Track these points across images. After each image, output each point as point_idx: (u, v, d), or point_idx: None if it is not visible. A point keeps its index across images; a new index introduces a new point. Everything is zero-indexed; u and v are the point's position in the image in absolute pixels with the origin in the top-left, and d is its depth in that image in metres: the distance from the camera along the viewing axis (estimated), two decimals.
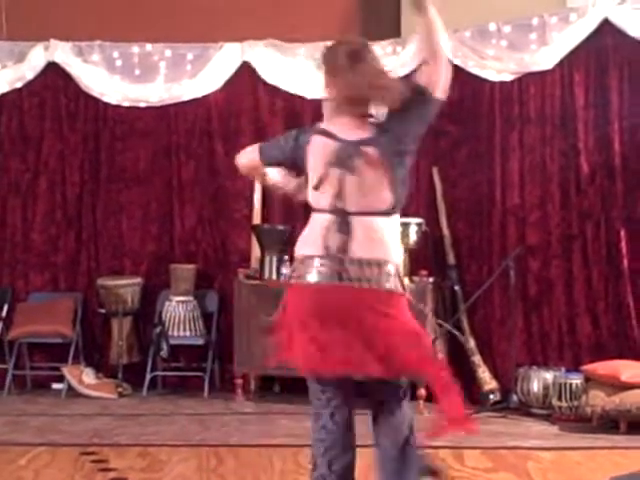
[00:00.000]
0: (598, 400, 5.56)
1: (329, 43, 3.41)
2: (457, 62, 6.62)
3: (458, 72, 6.63)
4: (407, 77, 3.28)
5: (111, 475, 4.46)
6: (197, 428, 5.69)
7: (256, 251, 6.87)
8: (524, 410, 6.05)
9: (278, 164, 3.34)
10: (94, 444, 5.15)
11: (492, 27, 6.54)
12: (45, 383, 7.09)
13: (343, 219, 3.16)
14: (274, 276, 6.62)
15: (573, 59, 6.32)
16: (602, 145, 6.23)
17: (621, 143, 6.17)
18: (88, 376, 6.85)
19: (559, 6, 6.42)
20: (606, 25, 6.14)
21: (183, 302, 6.93)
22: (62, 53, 7.12)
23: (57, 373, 6.93)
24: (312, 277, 3.14)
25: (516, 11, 6.47)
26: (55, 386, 6.97)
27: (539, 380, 6.03)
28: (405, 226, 6.47)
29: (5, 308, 7.05)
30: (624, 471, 1.12)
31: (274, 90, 7.13)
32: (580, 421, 5.66)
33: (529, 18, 6.41)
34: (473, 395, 6.39)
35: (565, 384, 5.80)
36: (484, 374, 6.41)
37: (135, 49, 7.15)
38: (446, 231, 6.66)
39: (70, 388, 6.79)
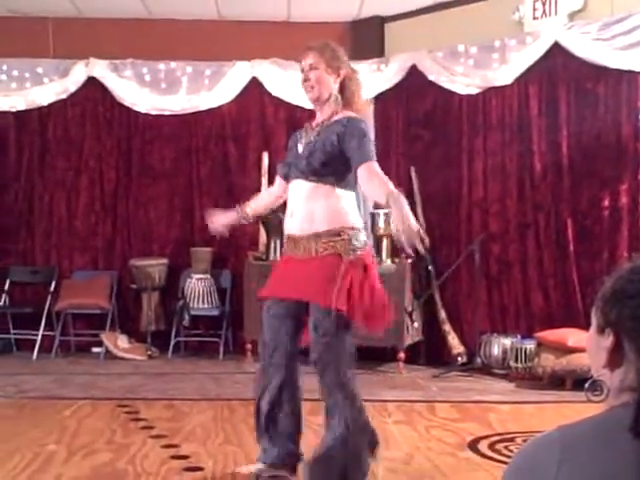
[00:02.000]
0: (548, 362, 5.57)
1: None
2: (431, 78, 6.63)
3: (432, 86, 6.66)
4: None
5: (142, 424, 4.46)
6: (213, 385, 5.70)
7: (263, 237, 6.87)
8: (486, 370, 6.05)
9: None
10: (127, 398, 5.15)
11: (461, 48, 6.51)
12: (86, 347, 7.07)
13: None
14: (278, 257, 6.61)
15: (528, 75, 6.29)
16: (552, 148, 6.21)
17: (568, 146, 6.15)
18: (122, 341, 6.85)
19: (517, 31, 6.37)
20: (556, 47, 6.11)
21: (202, 279, 6.92)
22: (100, 69, 7.08)
23: (96, 339, 6.92)
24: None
25: (481, 35, 6.44)
26: (95, 350, 6.96)
27: (499, 345, 6.04)
28: (387, 216, 6.46)
29: (53, 284, 7.02)
30: (570, 421, 1.10)
31: (278, 101, 7.10)
32: (533, 379, 5.67)
33: (492, 41, 6.38)
34: (444, 357, 6.41)
35: (521, 348, 5.82)
36: (453, 340, 6.42)
37: (161, 66, 7.11)
38: (422, 220, 6.66)
39: (107, 351, 6.78)
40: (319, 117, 3.28)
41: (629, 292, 1.23)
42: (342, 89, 3.22)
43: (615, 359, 1.24)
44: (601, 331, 1.26)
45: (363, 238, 3.18)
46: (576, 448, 1.17)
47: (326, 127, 3.17)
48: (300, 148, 3.25)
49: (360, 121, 3.16)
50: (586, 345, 1.33)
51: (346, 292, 3.03)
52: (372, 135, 3.19)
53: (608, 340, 1.25)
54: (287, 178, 3.31)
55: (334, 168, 3.11)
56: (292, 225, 3.24)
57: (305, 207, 3.18)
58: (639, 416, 1.14)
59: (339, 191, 3.14)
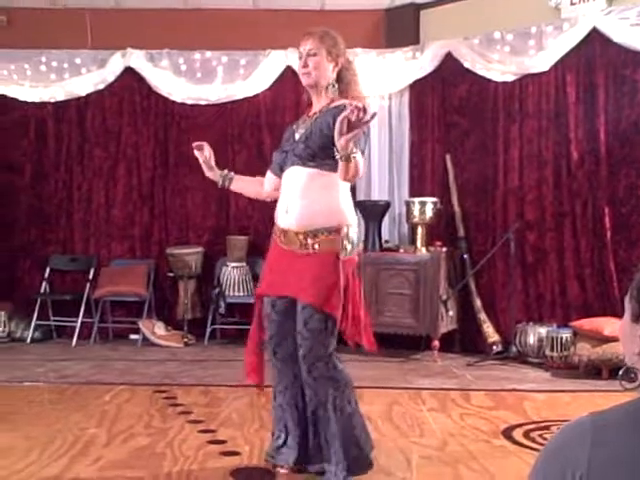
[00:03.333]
0: (584, 351, 5.54)
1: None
2: (467, 65, 6.61)
3: (467, 73, 6.64)
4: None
5: (179, 409, 4.54)
6: None
7: None
8: (522, 359, 6.04)
9: None
10: (165, 384, 5.24)
11: (497, 35, 6.47)
12: (124, 334, 7.18)
13: None
14: None
15: (566, 62, 6.24)
16: (590, 135, 6.16)
17: (606, 134, 6.09)
18: (159, 328, 6.94)
19: (554, 17, 6.32)
20: (594, 33, 6.05)
21: (237, 267, 6.99)
22: (137, 59, 7.16)
23: (134, 326, 7.03)
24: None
25: (517, 21, 6.39)
26: (132, 336, 7.07)
27: (534, 334, 6.02)
28: (422, 204, 6.48)
29: (92, 272, 7.14)
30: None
31: None
32: (569, 368, 5.65)
33: (528, 27, 6.33)
34: (479, 346, 6.41)
35: (556, 337, 5.79)
36: (488, 329, 6.41)
37: (197, 56, 7.17)
38: (457, 208, 6.64)
39: (145, 338, 6.89)
40: (316, 106, 3.23)
41: None
42: (339, 78, 3.19)
43: None
44: (636, 319, 1.28)
45: (356, 235, 3.18)
46: (607, 433, 1.19)
47: (324, 113, 3.13)
48: (297, 136, 3.21)
49: None
50: (619, 333, 1.34)
51: (339, 293, 3.06)
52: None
53: None
54: (282, 168, 3.25)
55: (333, 151, 3.00)
56: (288, 221, 3.15)
57: (303, 201, 3.10)
58: None
59: (336, 177, 3.02)
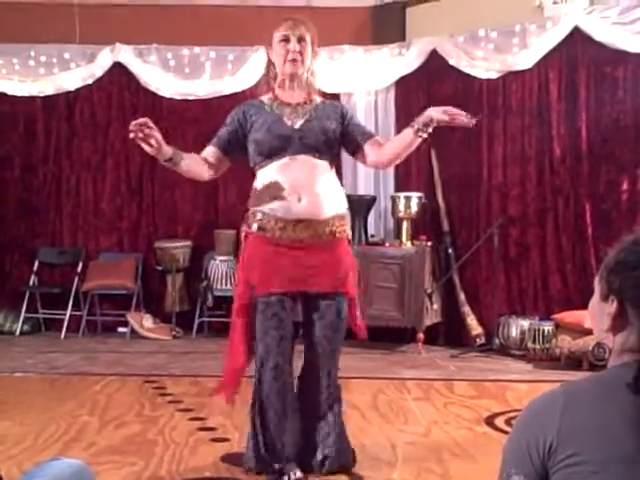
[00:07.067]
0: (565, 343, 5.67)
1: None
2: (452, 62, 6.70)
3: (452, 70, 6.73)
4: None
5: (169, 398, 4.63)
6: None
7: None
8: (504, 351, 6.16)
9: None
10: (154, 375, 5.31)
11: (481, 33, 6.58)
12: (112, 327, 7.23)
13: None
14: None
15: (549, 60, 6.36)
16: (572, 132, 6.28)
17: (587, 131, 6.22)
18: (147, 321, 7.01)
19: (537, 15, 6.43)
20: (576, 32, 6.18)
21: (225, 261, 7.05)
22: (125, 54, 7.21)
23: (122, 319, 7.09)
24: None
25: (502, 19, 6.50)
26: (120, 329, 7.13)
27: (517, 326, 6.13)
28: (407, 199, 6.58)
29: (80, 265, 7.19)
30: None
31: None
32: (550, 360, 5.77)
33: (512, 25, 6.44)
34: (463, 339, 6.52)
35: (538, 330, 5.90)
36: (472, 321, 6.52)
37: (185, 51, 7.23)
38: (442, 203, 6.75)
39: (133, 331, 6.95)
40: (295, 96, 3.13)
41: (632, 263, 1.36)
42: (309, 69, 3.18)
43: (618, 324, 1.37)
44: (605, 298, 1.39)
45: None
46: (577, 401, 1.30)
47: (317, 107, 3.14)
48: (290, 123, 3.08)
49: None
50: (589, 311, 1.46)
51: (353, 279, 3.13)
52: None
53: (612, 307, 1.37)
54: (275, 153, 3.06)
55: (338, 147, 3.17)
56: (305, 210, 3.01)
57: (316, 188, 3.03)
58: None
59: (333, 170, 3.15)
